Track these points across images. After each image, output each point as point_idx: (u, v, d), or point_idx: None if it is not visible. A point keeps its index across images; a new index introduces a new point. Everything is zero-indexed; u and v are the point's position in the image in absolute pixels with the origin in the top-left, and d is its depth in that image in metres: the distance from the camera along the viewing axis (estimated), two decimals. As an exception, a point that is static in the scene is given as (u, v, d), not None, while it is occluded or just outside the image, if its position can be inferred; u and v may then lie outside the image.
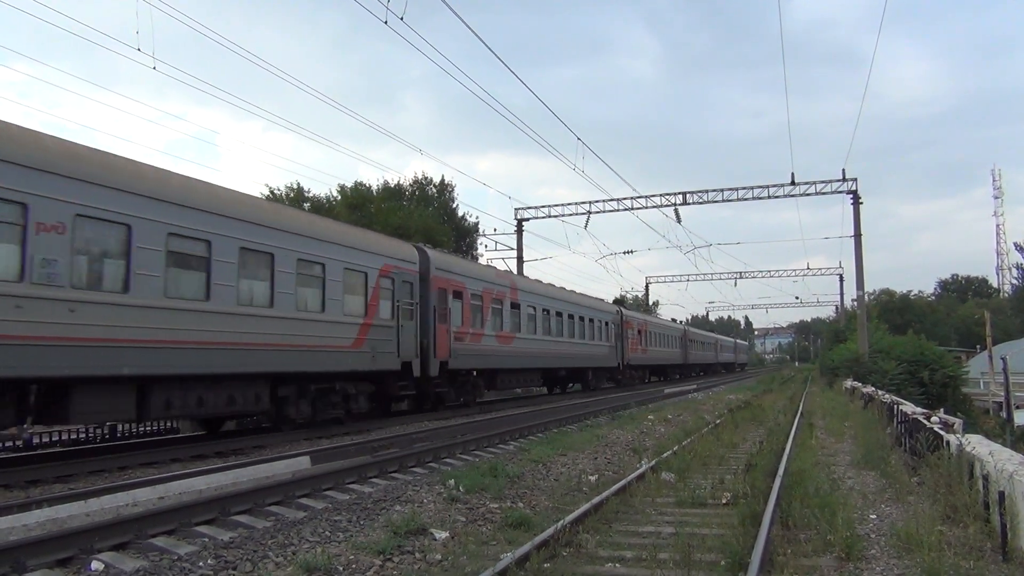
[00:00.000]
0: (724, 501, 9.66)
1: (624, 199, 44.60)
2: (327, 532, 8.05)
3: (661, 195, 43.88)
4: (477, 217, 64.78)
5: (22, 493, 10.38)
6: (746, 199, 42.82)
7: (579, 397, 34.49)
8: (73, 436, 17.20)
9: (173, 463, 13.11)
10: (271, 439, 16.20)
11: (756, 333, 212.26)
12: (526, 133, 34.43)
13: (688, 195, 43.48)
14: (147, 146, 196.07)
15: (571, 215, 45.82)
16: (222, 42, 67.74)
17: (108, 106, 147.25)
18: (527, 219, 46.81)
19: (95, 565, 6.83)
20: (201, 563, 6.82)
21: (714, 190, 43.24)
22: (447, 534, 7.95)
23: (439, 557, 7.15)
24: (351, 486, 10.95)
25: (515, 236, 46.73)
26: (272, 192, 47.37)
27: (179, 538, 7.87)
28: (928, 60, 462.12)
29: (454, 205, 56.00)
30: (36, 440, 16.63)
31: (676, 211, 43.36)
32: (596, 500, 9.11)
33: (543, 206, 46.83)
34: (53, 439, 17.04)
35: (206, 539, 7.79)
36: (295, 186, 49.19)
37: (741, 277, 74.76)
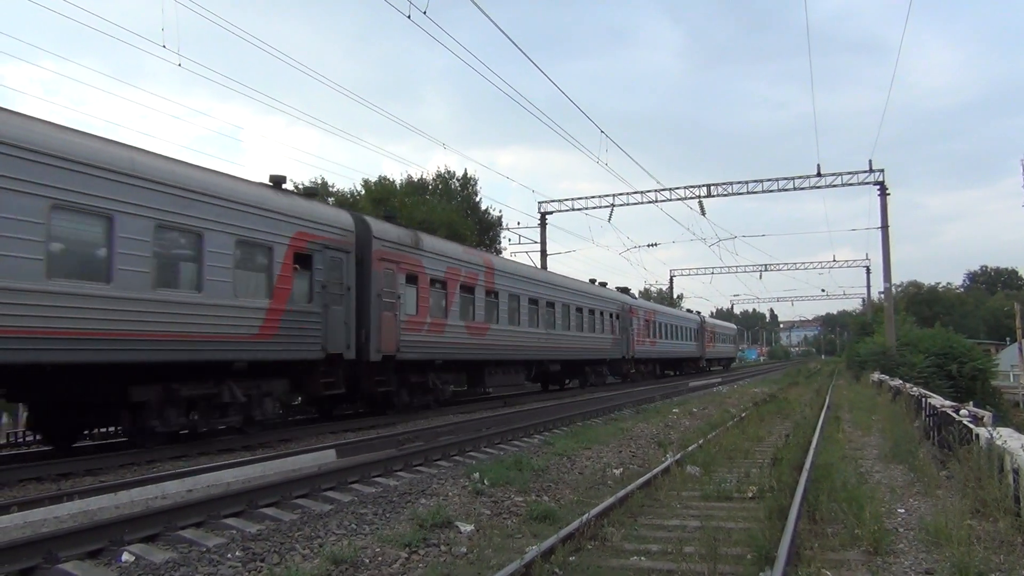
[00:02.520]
0: (750, 495, 9.61)
1: (648, 192, 44.36)
2: (353, 524, 8.10)
3: (685, 187, 43.67)
4: (500, 211, 64.77)
5: (53, 486, 10.53)
6: (771, 191, 42.45)
7: (615, 389, 35.28)
8: (102, 430, 17.38)
9: (201, 456, 13.24)
10: (298, 432, 16.32)
11: (782, 326, 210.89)
12: (549, 126, 34.89)
13: (712, 187, 43.15)
14: (172, 142, 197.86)
15: (594, 208, 45.64)
16: (245, 37, 68.05)
17: (134, 102, 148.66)
18: (550, 212, 46.72)
19: (125, 557, 6.92)
20: (229, 555, 6.89)
21: (739, 182, 42.87)
22: (472, 527, 7.97)
23: (464, 550, 7.18)
24: (377, 479, 11.02)
25: (538, 229, 46.70)
26: (297, 187, 47.54)
27: (208, 530, 7.97)
28: (956, 49, 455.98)
29: (477, 199, 55.76)
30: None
31: (700, 203, 43.10)
32: (621, 493, 9.09)
33: (566, 199, 46.86)
34: (83, 433, 17.23)
35: (234, 531, 7.87)
36: (319, 181, 49.36)
37: (766, 270, 74.37)
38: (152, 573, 6.44)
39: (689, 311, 63.82)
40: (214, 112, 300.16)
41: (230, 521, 8.30)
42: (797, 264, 76.54)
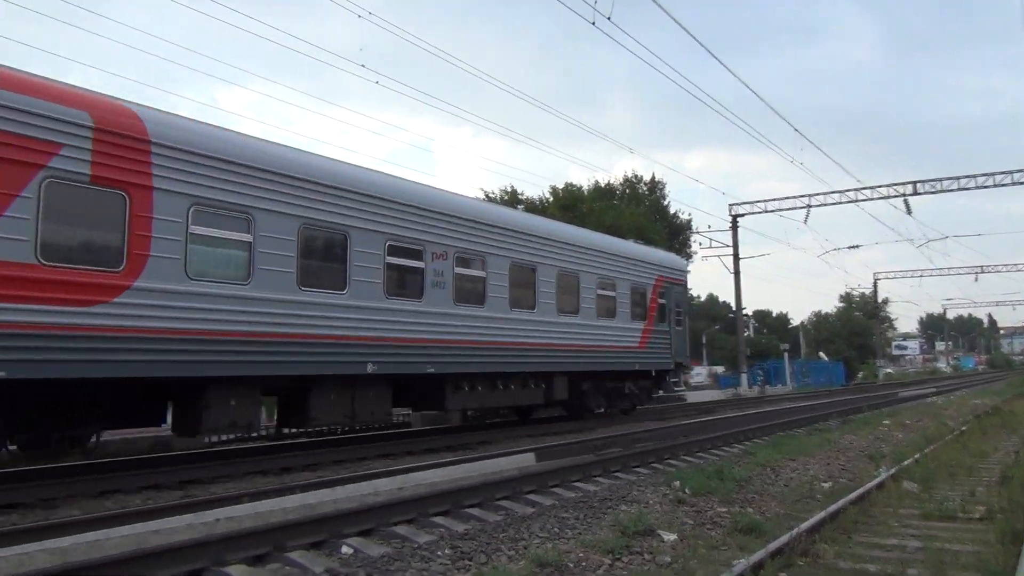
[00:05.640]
0: (977, 515, 8.88)
1: (847, 191, 42.30)
2: (556, 528, 8.18)
3: (888, 185, 41.30)
4: (690, 214, 63.69)
5: (277, 479, 11.35)
6: (986, 186, 39.35)
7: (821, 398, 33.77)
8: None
9: (407, 456, 13.84)
10: (497, 435, 16.74)
11: (1002, 332, 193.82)
12: (738, 126, 33.82)
13: (919, 184, 40.50)
14: (370, 155, 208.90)
15: (789, 209, 44.01)
16: (435, 52, 70.39)
17: (335, 120, 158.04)
18: (742, 215, 45.45)
19: (345, 549, 7.32)
20: (439, 552, 7.14)
21: (949, 178, 40.03)
22: (675, 536, 7.84)
23: (668, 559, 7.06)
24: (576, 484, 11.08)
25: (730, 232, 45.51)
26: (487, 195, 48.81)
27: (418, 527, 8.28)
28: None
29: (666, 203, 55.15)
30: (285, 431, 18.08)
31: (906, 202, 40.58)
32: (832, 508, 8.65)
33: (758, 201, 45.29)
34: (299, 431, 18.44)
35: (442, 529, 8.14)
36: (509, 189, 50.43)
37: (983, 271, 69.05)
38: (370, 566, 6.78)
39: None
40: (408, 126, 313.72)
41: (438, 519, 8.59)
42: (1018, 265, 70.34)
